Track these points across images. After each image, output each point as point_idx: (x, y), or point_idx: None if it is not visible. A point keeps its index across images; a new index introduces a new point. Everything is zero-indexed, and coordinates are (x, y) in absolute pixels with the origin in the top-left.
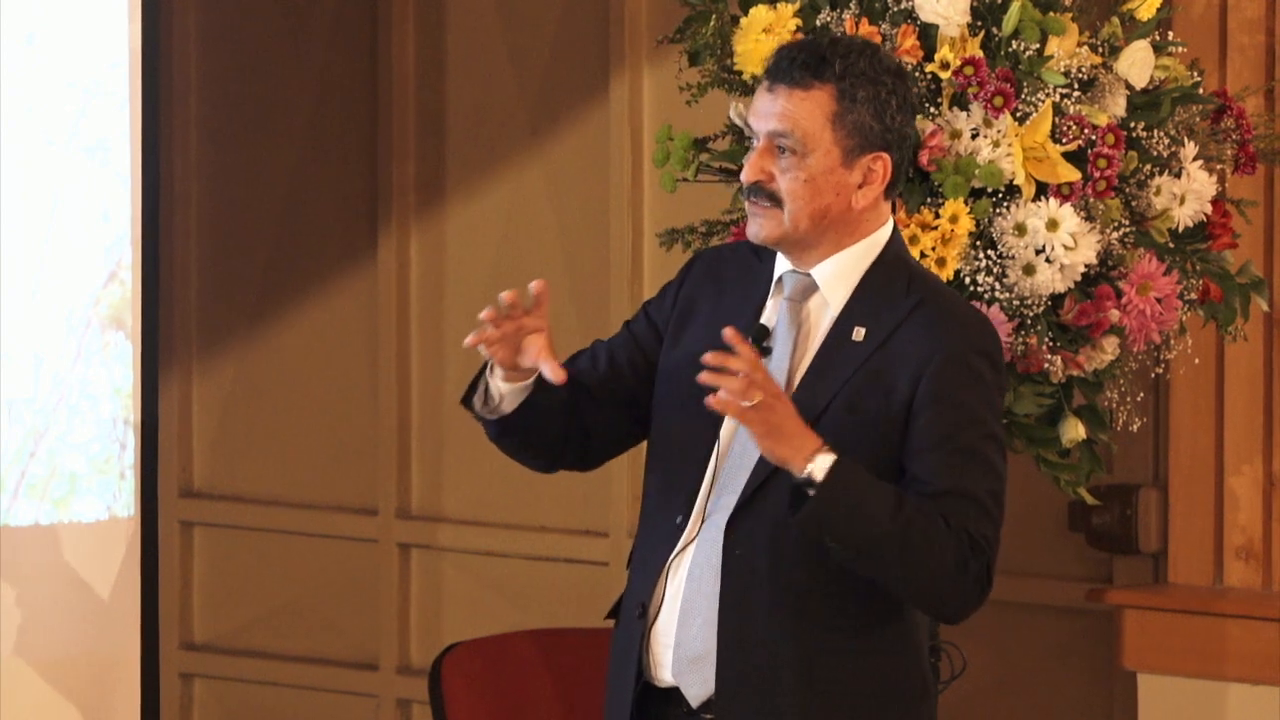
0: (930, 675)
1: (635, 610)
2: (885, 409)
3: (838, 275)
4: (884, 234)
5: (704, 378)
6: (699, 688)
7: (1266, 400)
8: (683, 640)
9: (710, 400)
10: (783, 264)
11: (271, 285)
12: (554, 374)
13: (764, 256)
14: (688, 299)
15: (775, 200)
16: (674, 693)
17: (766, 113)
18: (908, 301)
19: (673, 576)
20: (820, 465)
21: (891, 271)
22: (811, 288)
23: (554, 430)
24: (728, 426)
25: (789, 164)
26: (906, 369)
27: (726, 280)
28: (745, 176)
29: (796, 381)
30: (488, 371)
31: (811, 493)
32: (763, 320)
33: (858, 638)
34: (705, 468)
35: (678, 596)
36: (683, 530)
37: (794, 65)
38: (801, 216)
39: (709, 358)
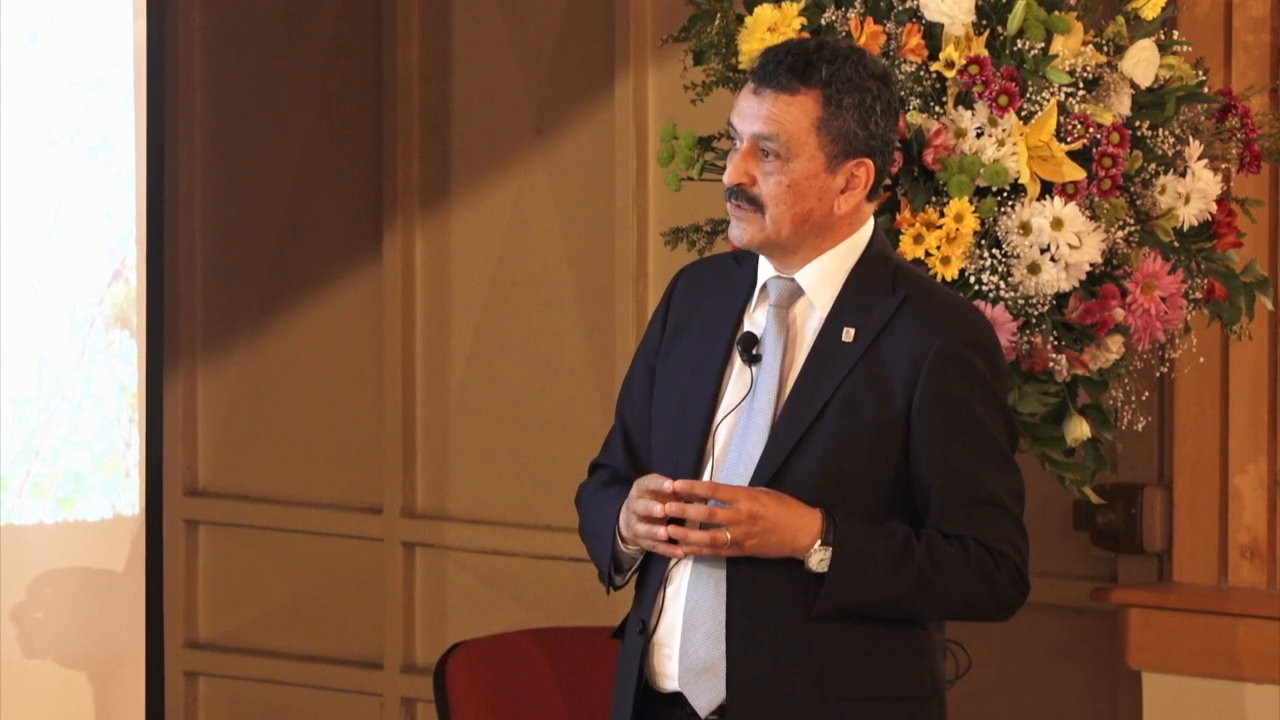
0: (941, 673)
1: (636, 627)
2: (884, 412)
3: (823, 277)
4: (865, 233)
5: (668, 535)
6: (708, 696)
7: (1271, 399)
8: (687, 651)
9: (675, 551)
10: (766, 270)
11: (276, 284)
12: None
13: (744, 263)
14: (675, 320)
15: (756, 204)
16: (678, 697)
17: (752, 115)
18: (894, 298)
19: (671, 588)
20: (818, 558)
21: (876, 269)
22: (797, 292)
23: None
24: (721, 434)
25: (773, 167)
26: (901, 368)
27: (709, 292)
28: (728, 178)
29: (788, 388)
30: (620, 547)
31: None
32: (749, 328)
33: (870, 640)
34: (700, 478)
35: (679, 608)
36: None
37: (780, 69)
38: (783, 221)
39: (665, 510)
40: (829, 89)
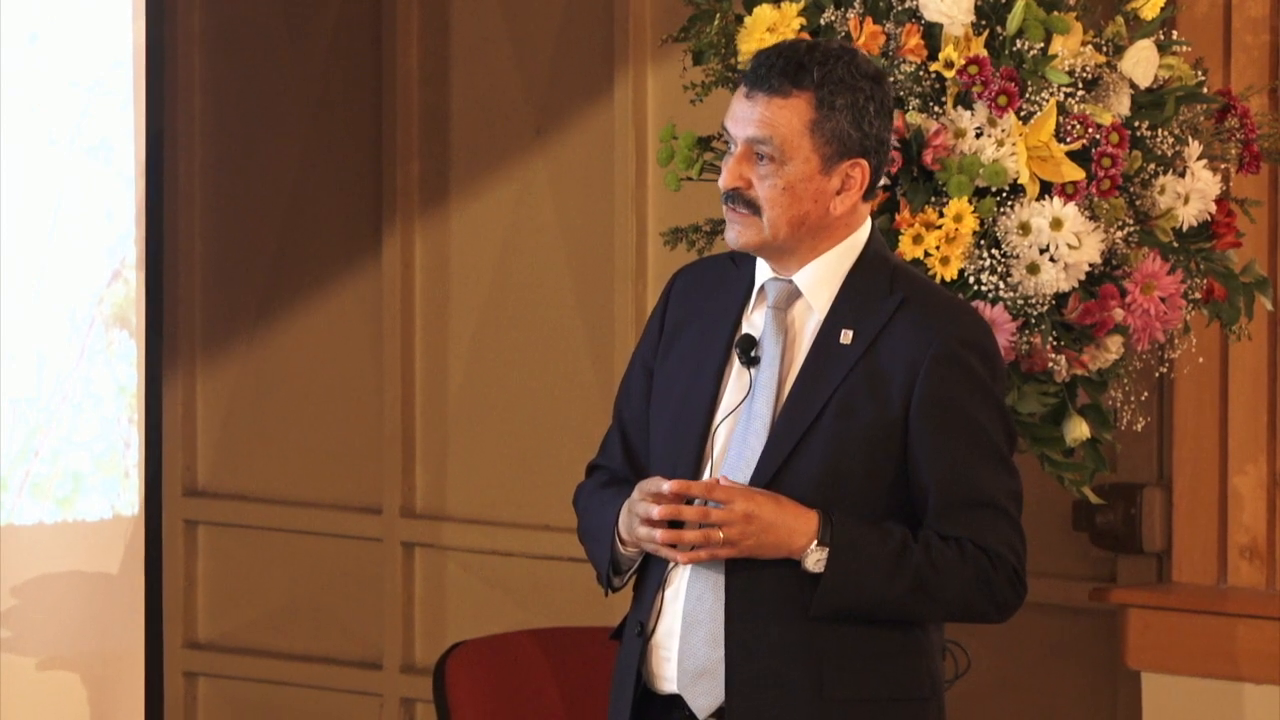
0: (940, 674)
1: (634, 629)
2: (881, 414)
3: (820, 279)
4: (863, 234)
5: (664, 537)
6: (706, 699)
7: (1270, 399)
8: (686, 654)
9: (679, 556)
10: (764, 271)
11: (276, 284)
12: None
13: (741, 264)
14: (674, 321)
15: (753, 207)
16: (676, 699)
17: (745, 119)
18: (892, 300)
19: (670, 590)
20: (815, 559)
21: (873, 270)
22: (795, 294)
23: None
24: (720, 436)
25: (767, 171)
26: (898, 370)
27: (706, 293)
28: (723, 182)
29: (787, 390)
30: (619, 549)
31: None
32: (747, 330)
33: (869, 641)
34: (698, 479)
35: (677, 610)
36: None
37: (773, 72)
38: (780, 223)
39: (661, 513)
40: (821, 90)
